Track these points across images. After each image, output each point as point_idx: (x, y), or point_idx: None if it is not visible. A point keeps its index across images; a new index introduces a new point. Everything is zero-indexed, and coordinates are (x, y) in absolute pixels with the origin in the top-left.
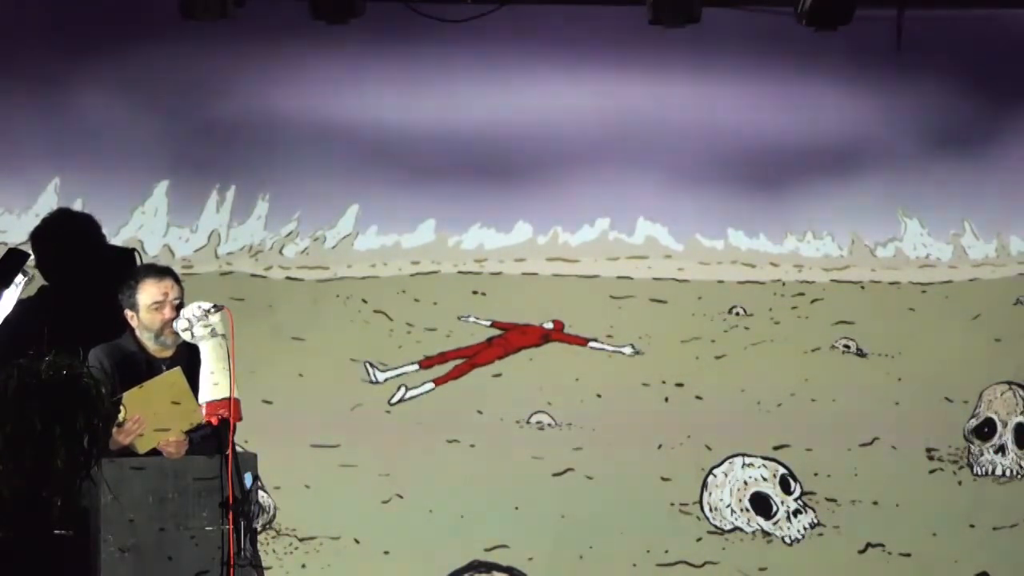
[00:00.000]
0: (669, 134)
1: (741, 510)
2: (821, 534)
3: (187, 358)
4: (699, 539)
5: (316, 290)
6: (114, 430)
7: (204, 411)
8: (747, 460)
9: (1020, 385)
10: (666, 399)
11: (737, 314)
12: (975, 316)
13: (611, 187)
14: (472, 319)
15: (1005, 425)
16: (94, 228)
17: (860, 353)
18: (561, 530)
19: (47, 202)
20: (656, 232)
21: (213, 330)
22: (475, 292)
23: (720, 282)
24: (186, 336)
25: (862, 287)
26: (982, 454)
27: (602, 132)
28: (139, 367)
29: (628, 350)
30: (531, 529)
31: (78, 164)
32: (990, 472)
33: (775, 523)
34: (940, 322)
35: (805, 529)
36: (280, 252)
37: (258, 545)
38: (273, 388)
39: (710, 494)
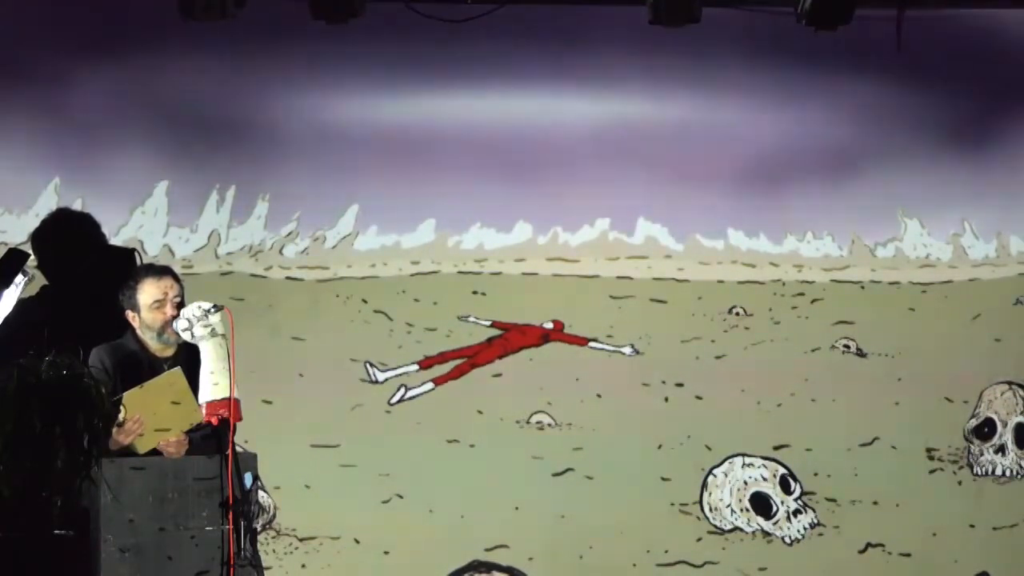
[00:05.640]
0: (669, 134)
1: (741, 510)
2: (821, 534)
3: (187, 358)
4: (699, 539)
5: (316, 290)
6: (114, 430)
7: (204, 411)
8: (747, 460)
9: (1020, 385)
10: (666, 399)
11: (737, 314)
12: (975, 316)
13: (611, 187)
14: (472, 319)
15: (1005, 425)
16: (94, 228)
17: (860, 353)
18: (561, 530)
19: (47, 202)
20: (656, 232)
21: (213, 330)
22: (475, 292)
23: (720, 282)
24: (186, 336)
25: (862, 287)
26: (982, 454)
27: (602, 132)
28: (140, 367)
29: (628, 350)
30: (531, 529)
31: (78, 164)
32: (990, 472)
33: (775, 523)
34: (940, 322)
35: (805, 529)
36: (280, 252)
37: (258, 545)
38: (273, 388)
39: (710, 494)
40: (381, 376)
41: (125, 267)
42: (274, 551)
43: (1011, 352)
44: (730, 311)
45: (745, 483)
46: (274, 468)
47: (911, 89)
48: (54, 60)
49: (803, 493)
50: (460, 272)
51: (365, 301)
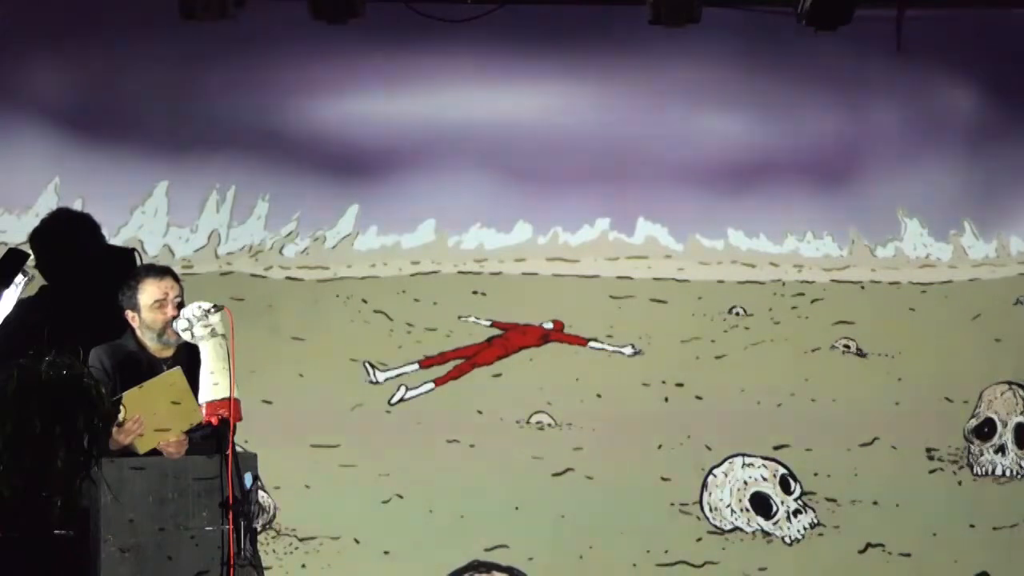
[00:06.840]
0: (669, 134)
1: (741, 510)
2: (821, 534)
3: (187, 358)
4: (699, 539)
5: (316, 290)
6: (114, 430)
7: (204, 411)
8: (747, 460)
9: (1020, 385)
10: (666, 399)
11: (737, 314)
12: (975, 316)
13: (611, 187)
14: (472, 319)
15: (1005, 425)
16: (94, 228)
17: (860, 353)
18: (561, 530)
19: (47, 202)
20: (656, 232)
21: (213, 330)
22: (475, 292)
23: (720, 282)
24: (186, 336)
25: (862, 287)
26: (982, 454)
27: (602, 132)
28: (140, 367)
29: (628, 350)
30: (531, 529)
31: (78, 164)
32: (990, 472)
33: (775, 523)
34: (940, 322)
35: (805, 529)
36: (280, 252)
37: (258, 545)
38: (273, 388)
39: (710, 494)
40: (381, 376)
41: (125, 267)
42: (274, 551)
43: (1011, 352)
44: (730, 311)
45: (745, 483)
46: (274, 468)
47: (911, 89)
48: (54, 60)
49: (803, 493)
50: (460, 272)
51: (365, 301)
